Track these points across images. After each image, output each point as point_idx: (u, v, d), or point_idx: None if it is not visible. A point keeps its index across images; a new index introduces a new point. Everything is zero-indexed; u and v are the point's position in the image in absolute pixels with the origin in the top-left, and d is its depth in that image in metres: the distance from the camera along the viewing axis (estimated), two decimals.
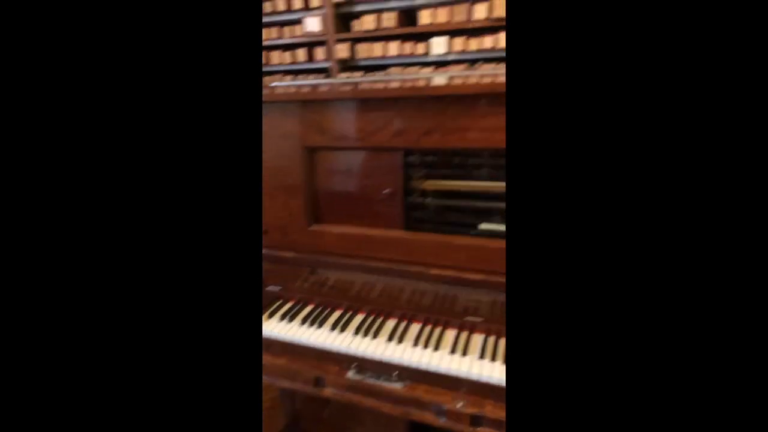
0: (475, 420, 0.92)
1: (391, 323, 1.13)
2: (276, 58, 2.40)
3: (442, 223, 1.14)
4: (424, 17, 2.03)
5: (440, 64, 2.15)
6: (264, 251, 1.27)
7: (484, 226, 1.11)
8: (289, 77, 2.42)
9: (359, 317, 1.16)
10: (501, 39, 1.93)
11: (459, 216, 1.14)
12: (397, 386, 1.00)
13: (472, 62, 2.11)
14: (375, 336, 1.08)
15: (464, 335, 1.06)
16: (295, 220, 1.21)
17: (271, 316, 1.20)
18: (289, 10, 2.28)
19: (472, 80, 1.17)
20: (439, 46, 2.07)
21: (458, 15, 1.97)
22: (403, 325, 1.12)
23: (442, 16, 1.99)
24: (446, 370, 0.95)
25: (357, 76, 2.25)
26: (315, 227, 1.20)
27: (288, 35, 2.33)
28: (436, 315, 1.12)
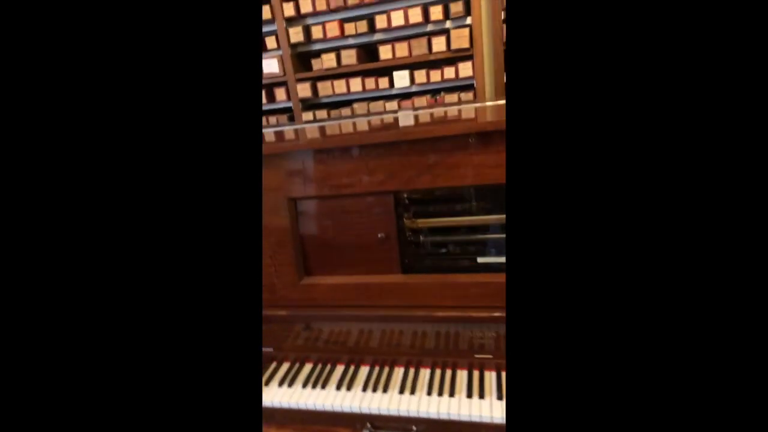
0: None
1: (399, 372, 1.10)
2: None
3: (440, 261, 1.13)
4: (384, 53, 2.09)
5: (404, 96, 2.20)
6: None
7: (483, 259, 1.11)
8: None
9: (364, 370, 1.12)
10: (461, 68, 2.01)
11: (456, 252, 1.14)
12: None
13: (435, 92, 2.17)
14: (385, 389, 1.04)
15: (476, 375, 1.04)
16: (284, 276, 1.17)
17: (268, 382, 1.14)
18: None
19: (440, 113, 1.19)
20: (402, 79, 2.13)
21: (417, 49, 2.04)
22: (411, 372, 1.09)
23: (401, 50, 2.06)
24: (468, 417, 0.92)
25: (322, 115, 2.26)
26: (306, 280, 1.16)
27: None
28: (444, 357, 1.10)
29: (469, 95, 2.05)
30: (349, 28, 2.09)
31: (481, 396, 0.97)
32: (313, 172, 1.08)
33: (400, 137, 0.98)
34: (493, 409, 0.93)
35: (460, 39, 1.97)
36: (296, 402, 1.05)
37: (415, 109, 2.12)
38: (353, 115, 2.29)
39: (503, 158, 0.95)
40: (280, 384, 1.11)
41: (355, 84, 2.18)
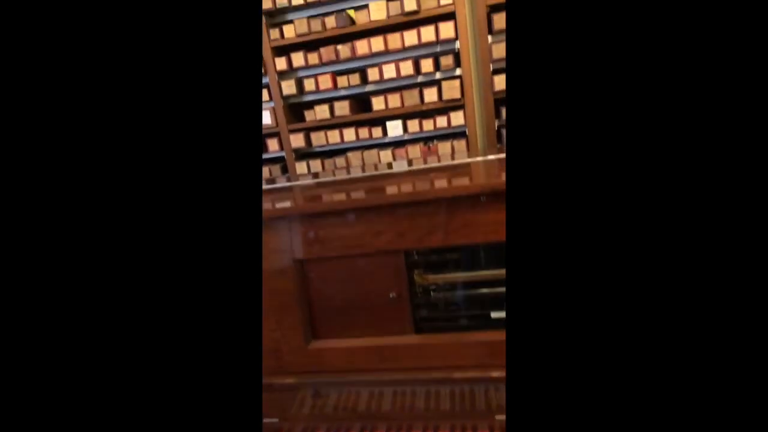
0: None
1: None
2: None
3: (454, 319, 1.12)
4: (377, 103, 2.15)
5: (398, 144, 2.25)
6: None
7: (497, 314, 1.10)
8: None
9: None
10: (453, 117, 2.08)
11: (470, 308, 1.13)
12: None
13: (428, 140, 2.23)
14: None
15: None
16: (291, 340, 1.13)
17: None
18: None
19: (441, 172, 1.22)
20: (395, 128, 2.18)
21: (409, 99, 2.11)
22: None
23: (394, 101, 2.13)
24: None
25: (316, 165, 2.29)
26: (314, 344, 1.13)
27: None
28: (462, 419, 1.07)
29: (462, 143, 2.11)
30: (342, 80, 2.15)
31: None
32: (320, 234, 1.07)
33: (411, 198, 0.99)
34: None
35: (452, 90, 2.05)
36: None
37: (409, 159, 2.17)
38: (351, 170, 2.32)
39: None
40: None
41: (349, 134, 2.22)
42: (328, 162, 2.30)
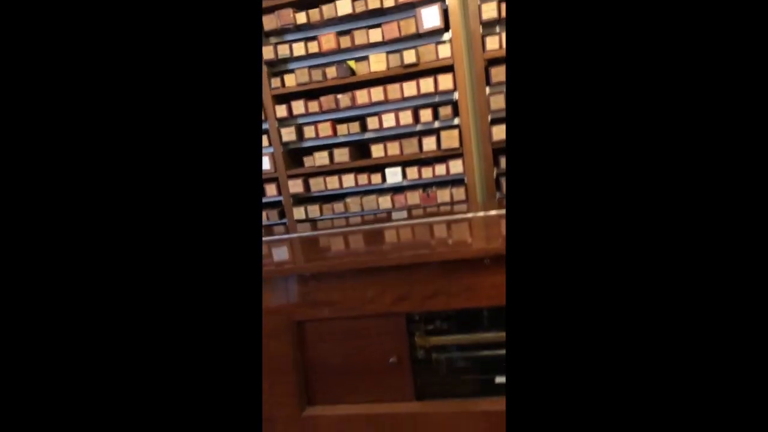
0: None
1: None
2: None
3: (456, 384, 1.08)
4: (376, 151, 2.18)
5: (397, 190, 2.27)
6: None
7: (501, 379, 1.07)
8: None
9: None
10: (452, 165, 2.11)
11: (472, 372, 1.09)
12: None
13: (427, 186, 2.25)
14: None
15: None
16: (284, 407, 1.08)
17: None
18: None
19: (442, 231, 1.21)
20: (394, 175, 2.20)
21: (409, 147, 2.15)
22: None
23: (393, 149, 2.16)
24: None
25: (314, 210, 2.29)
26: (309, 411, 1.08)
27: None
28: None
29: (461, 190, 2.13)
30: (342, 128, 2.19)
31: None
32: (320, 294, 1.05)
33: (413, 260, 0.98)
34: None
35: (450, 139, 2.08)
36: None
37: (408, 206, 2.17)
38: (350, 220, 2.31)
39: None
40: None
41: (348, 179, 2.24)
42: (326, 207, 2.30)
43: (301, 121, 2.27)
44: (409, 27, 2.01)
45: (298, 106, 2.20)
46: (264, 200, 2.39)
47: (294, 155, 2.38)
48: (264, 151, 2.31)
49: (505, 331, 1.05)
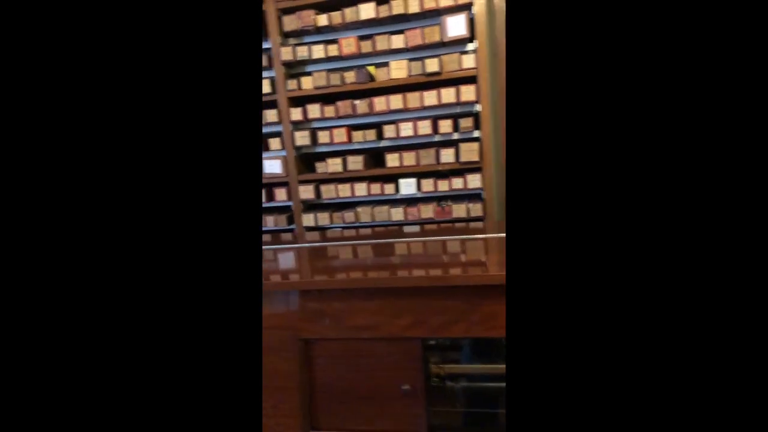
0: None
1: None
2: None
3: (474, 418, 1.01)
4: (391, 160, 2.13)
5: (410, 202, 2.21)
6: None
7: None
8: None
9: None
10: (470, 180, 2.05)
11: (490, 404, 1.02)
12: None
13: (442, 199, 2.19)
14: None
15: None
16: (287, 428, 1.02)
17: None
18: None
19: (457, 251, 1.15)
20: (408, 186, 2.15)
21: (426, 158, 2.10)
22: None
23: (409, 159, 2.11)
24: None
25: (324, 218, 2.24)
26: None
27: None
28: None
29: (478, 206, 2.07)
30: (357, 135, 2.15)
31: None
32: (329, 312, 0.99)
33: (434, 282, 0.92)
34: None
35: (470, 152, 2.03)
36: None
37: (421, 218, 2.12)
38: (360, 230, 2.26)
39: None
40: None
41: (360, 188, 2.19)
42: (336, 216, 2.25)
43: (315, 125, 2.23)
44: (433, 34, 1.97)
45: (313, 110, 2.16)
46: (273, 205, 2.35)
47: (306, 160, 2.33)
48: (276, 154, 2.27)
49: None
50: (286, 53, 2.12)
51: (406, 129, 2.09)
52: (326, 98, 2.20)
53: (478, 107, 2.02)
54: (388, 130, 2.11)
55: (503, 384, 1.03)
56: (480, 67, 1.98)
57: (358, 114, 2.12)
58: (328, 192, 2.24)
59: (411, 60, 2.04)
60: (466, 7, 1.94)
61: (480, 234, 1.40)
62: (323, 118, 2.17)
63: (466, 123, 2.04)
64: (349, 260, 1.17)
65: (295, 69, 2.22)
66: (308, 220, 2.26)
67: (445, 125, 2.06)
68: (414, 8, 1.96)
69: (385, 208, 2.19)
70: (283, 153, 2.26)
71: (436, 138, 2.13)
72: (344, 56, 2.09)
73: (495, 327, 0.92)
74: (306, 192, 2.25)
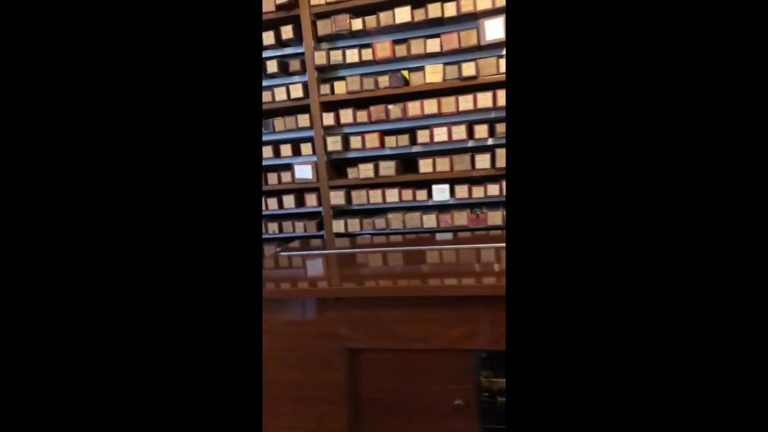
0: None
1: None
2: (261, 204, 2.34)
3: None
4: (424, 166, 2.10)
5: (442, 208, 2.17)
6: None
7: None
8: (275, 224, 2.34)
9: None
10: (506, 186, 2.00)
11: None
12: None
13: (476, 206, 2.15)
14: None
15: None
16: None
17: None
18: (276, 156, 2.30)
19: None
20: (441, 192, 2.12)
21: (460, 164, 2.06)
22: None
23: (442, 165, 2.07)
24: None
25: (354, 224, 2.21)
26: None
27: (275, 181, 2.32)
28: None
29: None
30: (390, 140, 2.12)
31: None
32: (378, 321, 0.96)
33: (493, 292, 0.88)
34: None
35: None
36: None
37: (454, 226, 2.07)
38: (392, 237, 2.23)
39: None
40: None
41: (392, 194, 2.16)
42: (366, 222, 2.22)
43: (347, 130, 2.22)
44: (470, 38, 1.94)
45: (346, 115, 2.15)
46: (303, 211, 2.34)
47: (337, 165, 2.32)
48: (307, 159, 2.26)
49: None
50: (319, 57, 2.12)
51: (440, 134, 2.06)
52: (359, 103, 2.18)
53: None
54: (422, 135, 2.08)
55: None
56: None
57: (392, 119, 2.10)
58: (359, 198, 2.21)
59: (446, 64, 2.01)
60: (504, 11, 1.91)
61: None
62: (355, 123, 2.15)
63: (502, 128, 2.00)
64: (395, 266, 1.14)
65: (328, 73, 2.21)
66: (338, 226, 2.24)
67: (481, 130, 2.02)
68: (451, 12, 1.94)
69: (417, 214, 2.15)
70: (314, 158, 2.25)
71: (470, 143, 2.09)
72: (378, 60, 2.07)
73: None
74: (336, 197, 2.23)
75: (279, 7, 2.12)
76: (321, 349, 0.99)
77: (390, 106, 2.09)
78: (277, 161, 2.32)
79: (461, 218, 2.09)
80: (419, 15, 1.98)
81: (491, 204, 2.15)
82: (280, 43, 2.19)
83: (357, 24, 2.05)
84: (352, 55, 2.09)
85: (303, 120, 2.20)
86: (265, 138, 2.34)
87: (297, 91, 2.18)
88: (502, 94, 1.95)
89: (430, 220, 2.14)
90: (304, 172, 2.27)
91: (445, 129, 2.05)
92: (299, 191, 2.32)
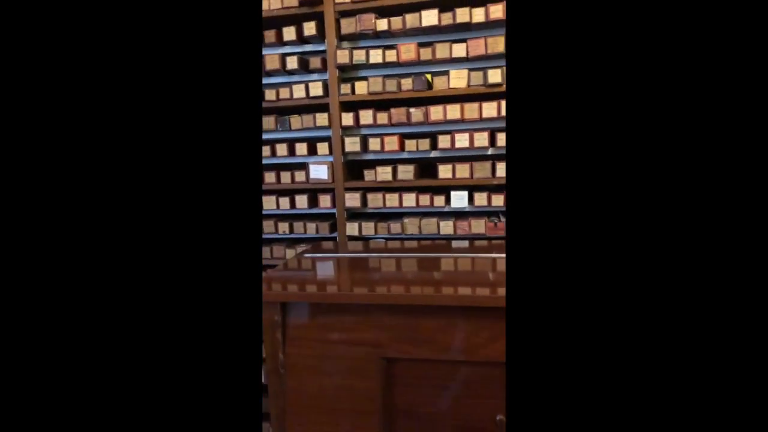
0: None
1: None
2: (272, 203, 2.31)
3: None
4: (444, 171, 2.08)
5: (460, 215, 2.15)
6: None
7: None
8: (285, 224, 2.30)
9: None
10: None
11: None
12: None
13: (494, 214, 2.13)
14: None
15: None
16: None
17: None
18: (291, 155, 2.27)
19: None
20: (460, 199, 2.09)
21: (480, 171, 2.04)
22: None
23: (462, 171, 2.05)
24: None
25: (369, 228, 2.18)
26: None
27: (288, 180, 2.29)
28: None
29: None
30: (410, 144, 2.10)
31: None
32: (418, 330, 0.93)
33: None
34: None
35: None
36: None
37: (472, 233, 2.05)
38: (408, 242, 2.20)
39: None
40: None
41: (409, 199, 2.13)
42: (381, 226, 2.19)
43: (366, 132, 2.19)
44: (497, 45, 1.93)
45: (366, 116, 2.12)
46: (316, 212, 2.30)
47: (354, 167, 2.29)
48: (324, 159, 2.23)
49: None
50: (341, 56, 2.09)
51: (462, 140, 2.04)
52: (380, 104, 2.16)
53: None
54: (443, 141, 2.06)
55: None
56: None
57: (413, 123, 2.08)
58: (375, 201, 2.18)
59: (471, 70, 1.99)
60: None
61: None
62: (375, 125, 2.13)
63: None
64: (431, 273, 1.11)
65: (349, 73, 2.19)
66: (352, 228, 2.21)
67: (503, 138, 2.00)
68: (479, 18, 1.92)
69: (433, 220, 2.12)
70: (330, 159, 2.22)
71: (490, 151, 2.07)
72: (402, 62, 2.05)
73: None
74: (352, 200, 2.20)
75: (302, 3, 2.09)
76: (354, 358, 0.95)
77: (412, 110, 2.07)
78: (292, 160, 2.29)
79: (479, 226, 2.07)
80: (446, 19, 1.96)
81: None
82: (302, 39, 2.16)
83: (382, 24, 2.03)
84: (375, 56, 2.06)
85: (321, 119, 2.17)
86: (280, 136, 2.30)
87: (317, 89, 2.15)
88: None
89: (447, 227, 2.11)
90: (319, 172, 2.23)
91: (467, 135, 2.03)
92: (313, 191, 2.29)
